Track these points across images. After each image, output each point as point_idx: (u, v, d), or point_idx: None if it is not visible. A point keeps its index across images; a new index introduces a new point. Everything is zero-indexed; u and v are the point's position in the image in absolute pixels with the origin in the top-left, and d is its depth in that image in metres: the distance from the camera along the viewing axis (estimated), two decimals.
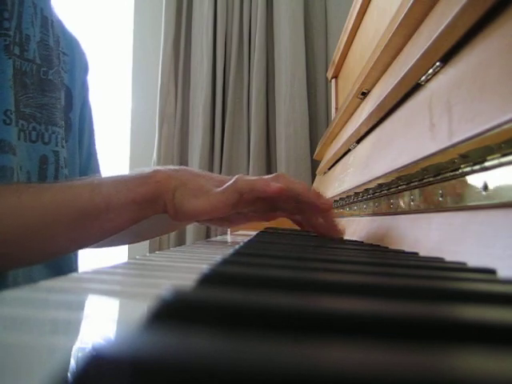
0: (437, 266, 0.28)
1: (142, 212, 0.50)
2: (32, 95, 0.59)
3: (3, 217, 0.43)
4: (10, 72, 0.54)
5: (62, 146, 0.64)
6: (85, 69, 0.75)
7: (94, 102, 0.78)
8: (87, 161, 0.76)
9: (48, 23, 0.63)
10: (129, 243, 0.81)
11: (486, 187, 0.29)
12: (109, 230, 0.50)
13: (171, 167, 0.53)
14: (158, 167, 0.52)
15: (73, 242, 0.49)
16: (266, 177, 0.53)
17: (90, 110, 0.78)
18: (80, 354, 0.11)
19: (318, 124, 1.83)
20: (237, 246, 0.41)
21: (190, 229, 1.80)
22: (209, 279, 0.17)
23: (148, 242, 1.83)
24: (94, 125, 0.79)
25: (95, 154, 0.78)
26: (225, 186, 0.49)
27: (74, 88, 0.70)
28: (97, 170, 0.77)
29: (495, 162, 0.28)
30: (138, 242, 0.79)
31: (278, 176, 0.52)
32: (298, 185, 0.52)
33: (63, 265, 0.62)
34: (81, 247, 0.52)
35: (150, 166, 1.80)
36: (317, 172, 1.41)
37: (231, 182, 0.50)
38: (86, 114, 0.75)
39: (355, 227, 0.67)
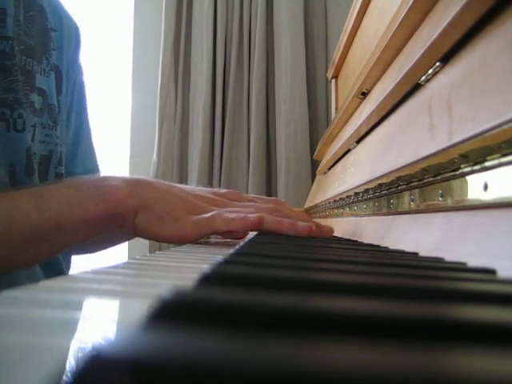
0: (437, 265, 0.28)
1: (98, 230, 0.45)
2: (15, 78, 0.52)
3: None
4: None
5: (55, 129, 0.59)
6: (75, 45, 0.68)
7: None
8: (74, 146, 0.68)
9: None
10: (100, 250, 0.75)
11: (486, 187, 0.29)
12: (61, 248, 0.47)
13: (130, 179, 0.47)
14: (116, 181, 0.46)
15: (18, 262, 0.44)
16: (257, 205, 0.51)
17: (82, 91, 0.70)
18: (80, 354, 0.11)
19: (318, 124, 1.83)
20: (237, 246, 0.41)
21: None
22: (209, 279, 0.17)
23: (148, 242, 1.83)
24: (86, 109, 0.71)
25: (87, 140, 0.71)
26: (199, 218, 0.45)
27: (63, 66, 0.63)
28: (89, 160, 0.70)
29: (495, 161, 0.28)
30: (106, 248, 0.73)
31: (271, 208, 0.50)
32: (287, 224, 0.48)
33: (53, 266, 0.58)
34: (28, 266, 0.48)
35: (150, 166, 1.80)
36: (317, 172, 1.41)
37: (208, 216, 0.45)
38: (74, 93, 0.68)
39: (355, 227, 0.66)
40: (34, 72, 0.56)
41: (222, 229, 0.45)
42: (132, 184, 0.46)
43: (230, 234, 0.49)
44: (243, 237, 0.56)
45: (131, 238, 0.71)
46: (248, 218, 0.45)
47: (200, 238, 0.47)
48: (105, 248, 0.72)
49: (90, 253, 0.73)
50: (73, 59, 0.67)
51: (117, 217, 0.44)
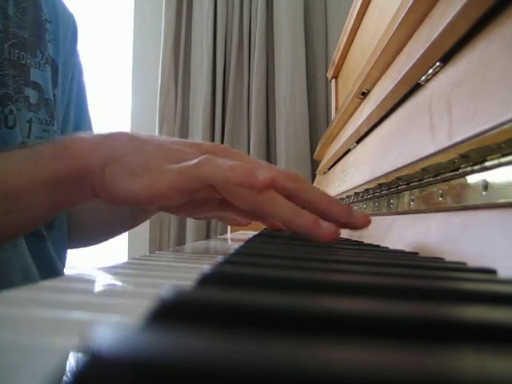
0: (437, 265, 0.28)
1: (61, 197, 0.36)
2: (5, 72, 0.49)
3: None
4: None
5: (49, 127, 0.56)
6: (72, 36, 0.65)
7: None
8: None
9: None
10: (95, 243, 0.68)
11: (486, 187, 0.29)
12: (18, 225, 0.37)
13: (101, 133, 0.38)
14: (82, 134, 0.37)
15: None
16: (256, 164, 0.36)
17: (81, 85, 0.68)
18: (80, 354, 0.11)
19: (318, 124, 1.83)
20: (237, 246, 0.41)
21: (190, 228, 1.80)
22: (209, 279, 0.17)
23: (148, 242, 1.83)
24: (86, 103, 0.69)
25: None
26: (182, 166, 0.34)
27: (60, 59, 0.61)
28: None
29: (495, 161, 0.28)
30: (103, 239, 0.67)
31: (270, 166, 0.36)
32: (312, 192, 0.36)
33: (48, 266, 0.55)
34: None
35: None
36: (317, 172, 1.41)
37: (194, 162, 0.33)
38: (72, 87, 0.66)
39: None
40: (28, 66, 0.54)
41: (213, 179, 0.33)
42: (101, 136, 0.37)
43: (232, 198, 0.36)
44: (244, 223, 0.45)
45: (131, 223, 0.65)
46: (255, 173, 0.32)
47: (184, 196, 0.34)
48: (107, 235, 0.67)
49: (92, 243, 0.69)
50: (70, 51, 0.65)
51: (81, 176, 0.35)
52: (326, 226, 0.35)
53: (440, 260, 0.32)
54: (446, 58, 0.40)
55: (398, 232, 0.46)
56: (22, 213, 0.35)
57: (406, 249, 0.39)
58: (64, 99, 0.63)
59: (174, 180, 0.33)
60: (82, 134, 0.37)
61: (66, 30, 0.64)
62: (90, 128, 0.69)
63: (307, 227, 0.35)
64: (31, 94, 0.55)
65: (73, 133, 0.65)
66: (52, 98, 0.58)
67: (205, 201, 0.40)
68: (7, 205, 0.34)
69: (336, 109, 1.31)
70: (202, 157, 0.34)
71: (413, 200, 0.43)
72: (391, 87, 0.53)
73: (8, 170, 0.34)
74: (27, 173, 0.34)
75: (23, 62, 0.54)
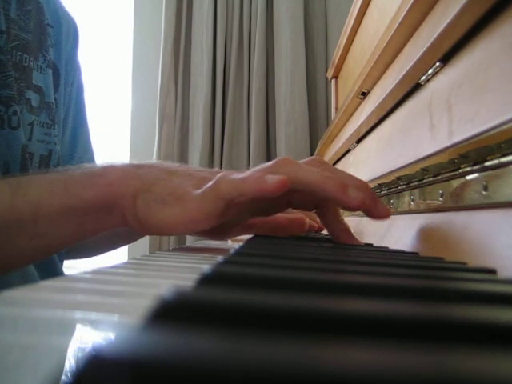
0: (437, 265, 0.28)
1: (91, 224, 0.36)
2: (8, 74, 0.49)
3: None
4: None
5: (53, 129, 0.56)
6: (73, 42, 0.66)
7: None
8: (71, 147, 0.65)
9: None
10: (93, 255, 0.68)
11: (485, 187, 0.29)
12: (42, 249, 0.37)
13: (134, 163, 0.38)
14: (115, 163, 0.38)
15: None
16: (264, 166, 0.36)
17: (81, 90, 0.68)
18: (80, 354, 0.11)
19: (318, 124, 1.83)
20: (237, 246, 0.41)
21: None
22: (209, 279, 0.17)
23: (148, 241, 1.83)
24: (84, 108, 0.69)
25: (85, 140, 0.68)
26: (203, 190, 0.35)
27: (61, 64, 0.61)
28: (87, 162, 0.63)
29: (495, 161, 0.28)
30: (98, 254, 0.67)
31: (278, 163, 0.35)
32: (309, 173, 0.34)
33: (49, 270, 0.55)
34: (6, 267, 0.38)
35: None
36: None
37: (211, 183, 0.35)
38: (72, 92, 0.66)
39: (355, 227, 0.66)
40: (30, 68, 0.54)
41: (231, 194, 0.33)
42: (131, 166, 0.38)
43: (250, 209, 0.38)
44: (285, 224, 0.45)
45: (132, 238, 0.65)
46: (265, 179, 0.32)
47: (215, 219, 0.35)
48: (102, 251, 0.67)
49: (86, 257, 0.68)
50: (71, 56, 0.65)
51: (112, 205, 0.35)
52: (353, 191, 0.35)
53: (440, 260, 0.32)
54: (446, 58, 0.40)
55: (398, 232, 0.46)
56: (48, 237, 0.36)
57: (406, 249, 0.39)
58: (65, 103, 0.63)
59: (200, 205, 0.34)
60: (113, 163, 0.38)
61: (68, 35, 0.64)
62: (87, 135, 0.69)
63: (335, 189, 0.34)
64: (33, 96, 0.55)
65: (70, 138, 0.66)
66: (53, 101, 0.58)
67: (236, 221, 0.41)
68: (36, 228, 0.35)
69: (336, 109, 1.31)
70: (218, 175, 0.35)
71: (413, 200, 0.43)
72: (391, 87, 0.53)
73: (40, 195, 0.35)
74: (59, 198, 0.35)
75: (25, 64, 0.54)
